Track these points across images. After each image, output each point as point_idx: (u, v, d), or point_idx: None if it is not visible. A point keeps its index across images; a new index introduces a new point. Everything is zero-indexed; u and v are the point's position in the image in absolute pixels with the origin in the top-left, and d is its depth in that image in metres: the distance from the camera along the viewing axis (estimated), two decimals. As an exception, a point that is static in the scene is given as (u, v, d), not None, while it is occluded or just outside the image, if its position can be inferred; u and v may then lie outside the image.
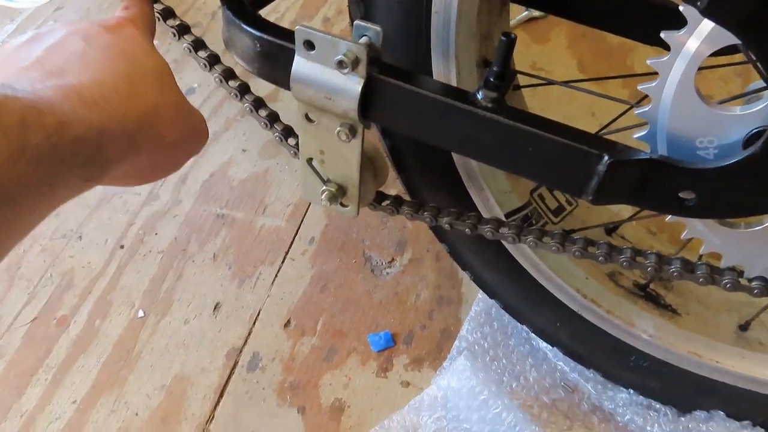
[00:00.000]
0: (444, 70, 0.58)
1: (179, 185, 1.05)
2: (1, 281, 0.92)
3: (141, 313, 0.89)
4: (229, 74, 0.67)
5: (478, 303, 0.88)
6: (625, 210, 0.76)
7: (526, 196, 0.70)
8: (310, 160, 0.63)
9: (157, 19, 0.65)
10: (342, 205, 0.65)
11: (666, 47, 0.46)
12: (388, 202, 0.66)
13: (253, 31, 0.56)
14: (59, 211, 0.78)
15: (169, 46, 1.24)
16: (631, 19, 0.62)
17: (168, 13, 0.67)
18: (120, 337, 0.87)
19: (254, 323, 0.89)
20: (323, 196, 0.63)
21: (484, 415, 0.73)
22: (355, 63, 0.51)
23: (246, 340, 0.87)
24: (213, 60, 0.67)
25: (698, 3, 0.38)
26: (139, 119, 0.47)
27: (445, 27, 0.55)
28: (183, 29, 0.67)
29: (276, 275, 0.94)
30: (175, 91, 0.53)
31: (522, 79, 0.74)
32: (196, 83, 1.21)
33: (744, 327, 0.70)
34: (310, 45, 0.52)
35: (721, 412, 0.71)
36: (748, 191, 0.46)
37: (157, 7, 0.66)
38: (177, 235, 0.99)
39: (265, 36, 0.56)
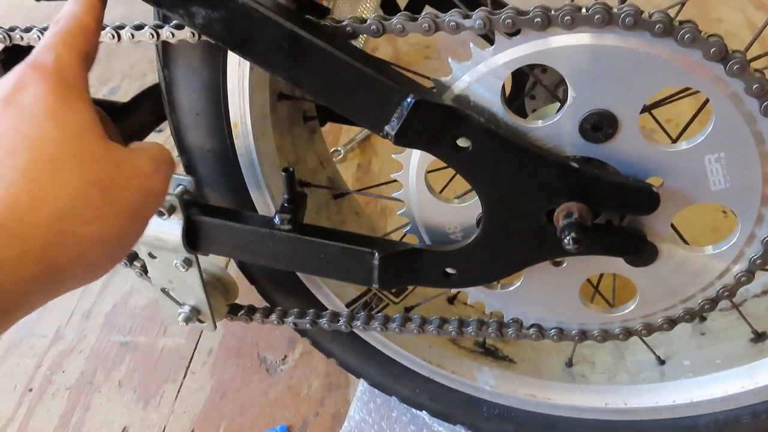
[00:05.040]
0: (261, 199, 0.70)
1: (83, 321, 1.13)
2: None
3: (51, 452, 0.95)
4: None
5: (362, 383, 0.97)
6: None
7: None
8: (164, 290, 0.73)
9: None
10: (200, 321, 0.75)
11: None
12: (242, 312, 0.77)
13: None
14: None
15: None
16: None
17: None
18: (32, 479, 0.92)
19: (160, 440, 0.95)
20: (179, 318, 0.73)
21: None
22: (171, 210, 0.63)
23: (153, 458, 0.93)
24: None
25: (390, 139, 0.52)
26: (47, 235, 0.36)
27: (251, 165, 0.68)
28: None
29: (178, 391, 1.01)
30: (104, 149, 0.40)
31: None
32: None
33: (569, 363, 0.81)
34: (135, 200, 0.64)
35: (567, 442, 0.81)
36: (486, 261, 0.59)
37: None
38: (83, 369, 1.06)
39: (102, 197, 0.67)
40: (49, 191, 0.37)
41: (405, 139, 0.52)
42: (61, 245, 0.37)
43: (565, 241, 0.51)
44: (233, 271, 0.78)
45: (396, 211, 0.62)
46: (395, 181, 0.60)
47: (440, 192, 0.61)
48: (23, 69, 0.40)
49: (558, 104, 0.57)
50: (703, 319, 0.80)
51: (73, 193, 0.37)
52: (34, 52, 0.42)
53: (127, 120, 0.84)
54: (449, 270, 0.62)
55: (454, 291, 0.87)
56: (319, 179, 0.81)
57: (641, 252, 0.56)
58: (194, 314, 0.73)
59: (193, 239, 0.65)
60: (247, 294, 0.80)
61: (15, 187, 0.36)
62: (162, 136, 1.61)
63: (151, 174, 0.43)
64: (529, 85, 0.67)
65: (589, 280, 0.67)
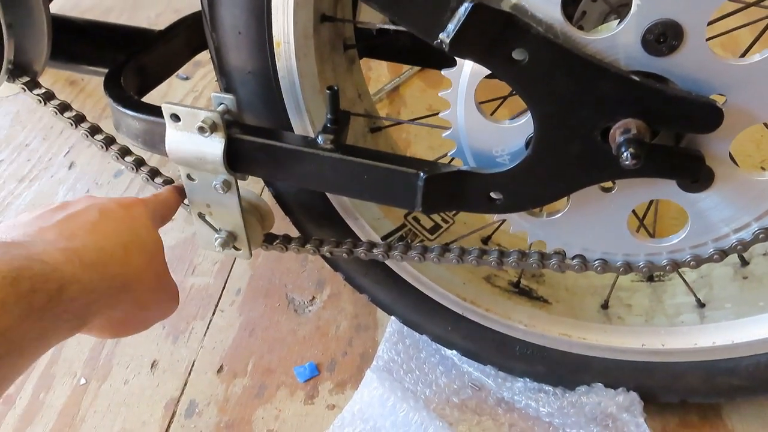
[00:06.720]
0: (300, 123, 0.69)
1: (113, 260, 1.13)
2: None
3: (83, 381, 0.96)
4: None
5: (391, 324, 0.96)
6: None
7: (400, 219, 0.80)
8: (201, 215, 0.73)
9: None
10: (235, 248, 0.74)
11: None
12: (277, 241, 0.76)
13: (132, 113, 0.67)
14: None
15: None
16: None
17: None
18: (64, 406, 0.93)
19: (189, 374, 0.96)
20: (216, 243, 0.73)
21: (395, 419, 0.80)
22: (213, 127, 0.62)
23: (183, 390, 0.94)
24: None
25: (443, 47, 0.50)
26: (124, 282, 0.57)
27: (292, 87, 0.67)
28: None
29: (207, 327, 1.02)
30: (161, 265, 0.64)
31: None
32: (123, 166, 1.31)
33: (605, 306, 0.80)
34: (176, 117, 0.63)
35: (600, 384, 0.80)
36: (534, 185, 0.58)
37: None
38: (113, 305, 1.06)
39: (142, 115, 0.67)
40: (125, 261, 0.58)
41: (460, 47, 0.50)
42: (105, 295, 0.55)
43: (623, 156, 0.49)
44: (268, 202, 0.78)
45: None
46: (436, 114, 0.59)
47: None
48: (135, 199, 0.66)
49: (614, 22, 0.55)
50: (745, 263, 0.78)
51: (133, 273, 0.58)
52: (142, 200, 0.67)
53: (161, 48, 0.83)
54: (494, 195, 0.60)
55: (488, 232, 0.86)
56: (356, 111, 0.80)
57: (698, 174, 0.54)
58: (230, 240, 0.73)
59: (233, 160, 0.64)
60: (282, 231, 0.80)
61: (107, 251, 0.57)
62: (189, 84, 1.60)
63: (175, 298, 0.67)
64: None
65: (634, 212, 0.65)
